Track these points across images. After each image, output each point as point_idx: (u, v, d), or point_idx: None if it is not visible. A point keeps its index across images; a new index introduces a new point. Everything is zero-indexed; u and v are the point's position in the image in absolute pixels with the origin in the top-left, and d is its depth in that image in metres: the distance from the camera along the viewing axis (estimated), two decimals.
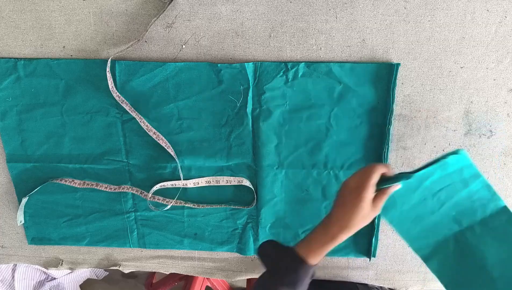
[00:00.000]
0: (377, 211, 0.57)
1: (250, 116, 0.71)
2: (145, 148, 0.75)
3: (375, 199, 0.57)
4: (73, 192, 0.79)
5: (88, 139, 0.75)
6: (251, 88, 0.70)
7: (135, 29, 0.69)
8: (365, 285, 0.86)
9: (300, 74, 0.69)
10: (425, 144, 0.73)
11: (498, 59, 0.68)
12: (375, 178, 0.55)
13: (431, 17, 0.66)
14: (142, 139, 0.74)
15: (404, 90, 0.70)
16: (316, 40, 0.68)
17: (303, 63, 0.68)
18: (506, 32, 0.66)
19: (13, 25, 0.70)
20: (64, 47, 0.71)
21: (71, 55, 0.72)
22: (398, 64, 0.67)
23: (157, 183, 0.76)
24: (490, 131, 0.72)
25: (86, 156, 0.76)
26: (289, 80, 0.69)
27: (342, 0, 0.66)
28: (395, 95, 0.69)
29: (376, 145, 0.72)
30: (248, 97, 0.70)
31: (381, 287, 0.93)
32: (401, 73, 0.69)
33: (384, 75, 0.68)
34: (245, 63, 0.68)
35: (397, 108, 0.71)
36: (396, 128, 0.72)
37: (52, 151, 0.76)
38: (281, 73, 0.69)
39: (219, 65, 0.69)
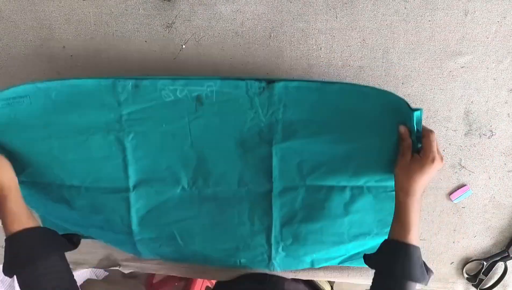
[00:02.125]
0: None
1: (272, 135, 0.68)
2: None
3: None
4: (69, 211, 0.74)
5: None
6: (281, 109, 0.66)
7: (135, 29, 0.69)
8: (310, 283, 0.87)
9: (325, 94, 0.65)
10: None
11: (498, 59, 0.68)
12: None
13: (431, 17, 0.66)
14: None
15: (404, 90, 0.70)
16: (316, 40, 0.68)
17: (337, 85, 0.64)
18: (506, 32, 0.66)
19: (13, 25, 0.70)
20: (64, 47, 0.71)
21: (71, 55, 0.72)
22: (421, 111, 0.60)
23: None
24: (491, 131, 0.72)
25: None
26: (315, 101, 0.65)
27: (342, 0, 0.66)
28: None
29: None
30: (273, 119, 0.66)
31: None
32: (401, 73, 0.69)
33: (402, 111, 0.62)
34: (275, 84, 0.64)
35: None
36: None
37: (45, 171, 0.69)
38: (309, 94, 0.65)
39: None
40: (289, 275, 0.83)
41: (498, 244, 0.79)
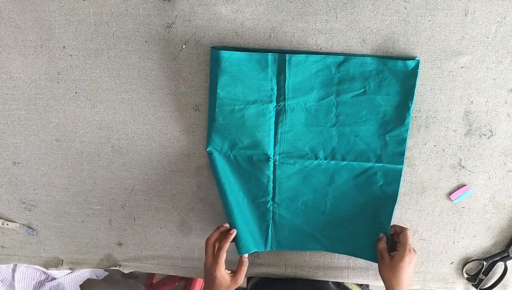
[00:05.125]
0: (240, 281, 0.72)
1: (278, 108, 0.71)
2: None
3: (236, 272, 0.72)
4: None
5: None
6: (287, 78, 0.69)
7: (135, 29, 0.69)
8: (339, 283, 0.87)
9: (334, 67, 0.68)
10: (425, 144, 0.73)
11: (498, 59, 0.68)
12: (223, 257, 0.70)
13: (431, 17, 0.66)
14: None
15: None
16: (316, 40, 0.68)
17: (341, 56, 0.68)
18: (506, 32, 0.66)
19: (13, 25, 0.70)
20: (64, 47, 0.71)
21: (71, 55, 0.72)
22: (418, 60, 0.67)
23: None
24: (490, 131, 0.72)
25: None
26: (320, 70, 0.69)
27: (342, 0, 0.66)
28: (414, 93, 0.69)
29: (397, 143, 0.71)
30: (274, 90, 0.70)
31: (367, 285, 0.93)
32: None
33: (408, 72, 0.68)
34: (275, 54, 0.68)
35: None
36: None
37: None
38: (314, 65, 0.68)
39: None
40: (291, 275, 0.83)
41: (498, 244, 0.79)
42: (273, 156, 0.73)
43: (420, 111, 0.71)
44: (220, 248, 0.71)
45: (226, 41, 0.69)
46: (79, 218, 0.84)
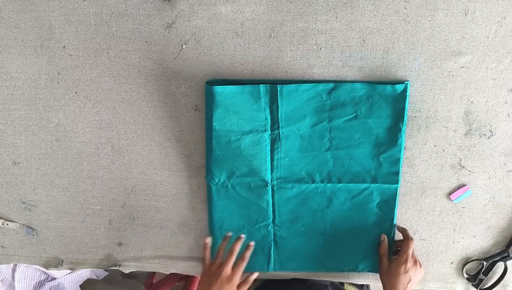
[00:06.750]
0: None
1: (273, 136, 0.72)
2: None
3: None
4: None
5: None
6: (279, 107, 0.70)
7: (135, 29, 0.69)
8: (337, 286, 0.88)
9: (325, 93, 0.70)
10: (425, 144, 0.73)
11: (498, 59, 0.68)
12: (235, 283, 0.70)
13: (431, 17, 0.66)
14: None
15: None
16: (316, 40, 0.68)
17: (331, 84, 0.69)
18: (506, 32, 0.66)
19: (13, 25, 0.70)
20: (64, 47, 0.71)
21: (71, 55, 0.72)
22: (407, 83, 0.68)
23: None
24: (490, 131, 0.72)
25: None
26: (311, 98, 0.70)
27: (342, 0, 0.66)
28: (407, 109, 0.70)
29: (391, 164, 0.72)
30: (268, 118, 0.71)
31: (367, 286, 0.94)
32: (401, 74, 0.69)
33: (397, 96, 0.69)
34: (266, 85, 0.69)
35: None
36: None
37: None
38: (306, 93, 0.70)
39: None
40: (289, 275, 0.83)
41: (498, 244, 0.79)
42: (271, 181, 0.74)
43: (420, 111, 0.71)
44: (243, 259, 0.72)
45: (226, 41, 0.69)
46: (79, 218, 0.84)
